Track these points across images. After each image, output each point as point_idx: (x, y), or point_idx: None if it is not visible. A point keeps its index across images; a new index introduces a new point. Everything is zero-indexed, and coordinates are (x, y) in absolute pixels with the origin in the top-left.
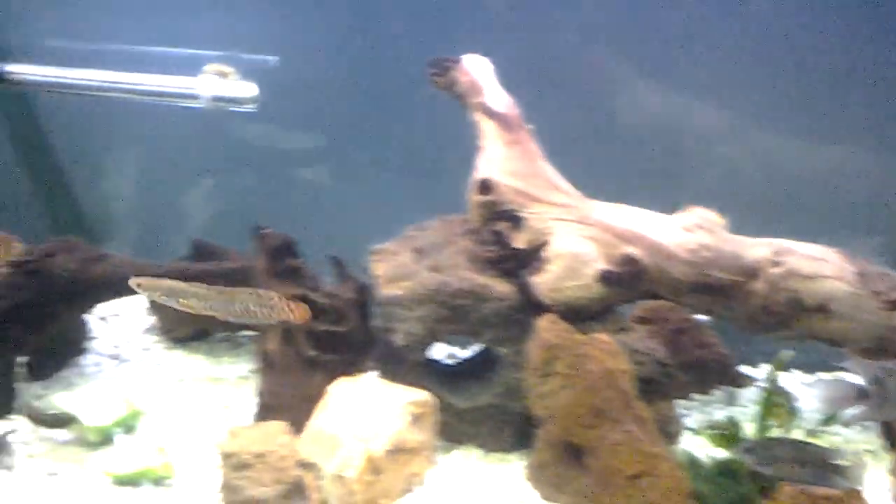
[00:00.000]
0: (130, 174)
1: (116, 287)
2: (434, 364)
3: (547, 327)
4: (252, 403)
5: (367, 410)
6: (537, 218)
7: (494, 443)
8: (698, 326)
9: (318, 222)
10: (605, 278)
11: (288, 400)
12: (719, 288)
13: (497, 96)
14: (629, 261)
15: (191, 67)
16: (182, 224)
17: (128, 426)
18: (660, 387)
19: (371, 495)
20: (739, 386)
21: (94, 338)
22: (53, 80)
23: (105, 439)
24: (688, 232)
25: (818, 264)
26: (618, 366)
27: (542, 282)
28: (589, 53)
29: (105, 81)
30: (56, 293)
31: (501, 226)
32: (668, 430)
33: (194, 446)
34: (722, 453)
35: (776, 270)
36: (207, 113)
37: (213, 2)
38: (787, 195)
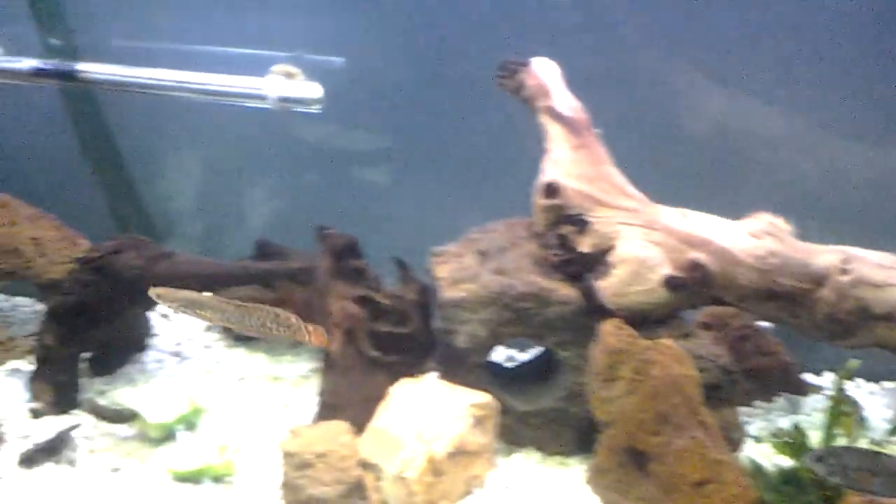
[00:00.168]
0: (194, 173)
1: (181, 285)
2: (494, 366)
3: (611, 332)
4: (312, 403)
5: (429, 412)
6: (603, 222)
7: (554, 446)
8: (761, 333)
9: (380, 224)
10: (671, 283)
11: (349, 400)
12: (786, 295)
13: (565, 100)
14: (695, 266)
15: (256, 68)
16: (245, 224)
17: (189, 423)
18: (724, 394)
19: (431, 497)
20: (802, 394)
21: (156, 335)
22: (123, 79)
23: (167, 436)
24: (755, 238)
25: (888, 273)
26: (684, 372)
27: (607, 286)
28: (654, 57)
29: (174, 81)
30: (121, 290)
31: (567, 229)
32: (732, 438)
33: (255, 444)
34: (786, 461)
35: (844, 278)
36: (272, 113)
37: (279, 3)
38: (854, 202)
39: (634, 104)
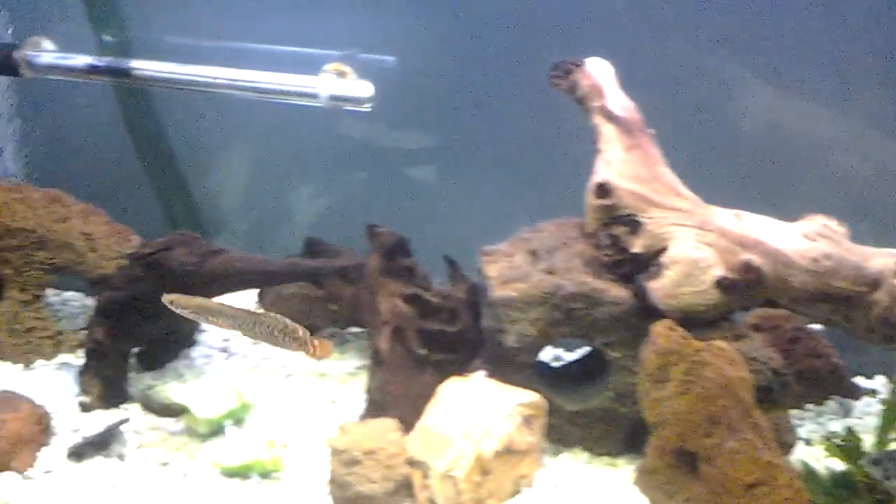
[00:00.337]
0: (244, 171)
1: (231, 281)
2: (542, 366)
3: (663, 333)
4: (359, 400)
5: (477, 411)
6: (656, 223)
7: (603, 446)
8: (812, 335)
9: (428, 222)
10: (723, 285)
11: (396, 398)
12: (840, 298)
13: (618, 100)
14: (748, 268)
15: (308, 66)
16: (293, 221)
17: (238, 419)
18: (775, 396)
19: (479, 495)
20: (853, 397)
21: (204, 331)
22: (176, 76)
23: (215, 431)
24: (809, 240)
25: None
26: (736, 374)
27: (659, 287)
28: (708, 58)
29: (226, 79)
30: (172, 286)
31: (619, 230)
32: (784, 441)
33: (302, 440)
34: (838, 465)
35: None
36: (322, 111)
37: (333, 1)
38: None
39: (688, 105)
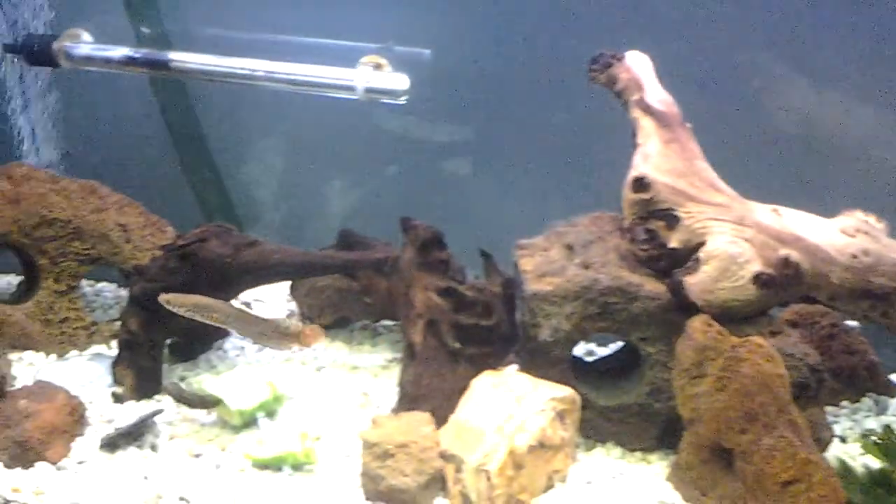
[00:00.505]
0: (278, 163)
1: (265, 273)
2: (575, 360)
3: (700, 328)
4: (391, 393)
5: (511, 405)
6: (693, 217)
7: (636, 442)
8: (848, 332)
9: (463, 216)
10: (761, 280)
11: (430, 391)
12: (878, 294)
13: (657, 94)
14: (786, 263)
15: (344, 59)
16: (327, 213)
17: (270, 411)
18: (812, 393)
19: (512, 490)
20: (889, 394)
21: None
22: (213, 68)
23: (248, 423)
24: (848, 236)
25: None
26: (774, 370)
27: (696, 282)
28: (747, 53)
29: (263, 71)
30: (207, 277)
31: (656, 224)
32: (820, 438)
33: (335, 433)
34: (874, 462)
35: None
36: (357, 103)
37: None
38: None
39: (726, 100)
